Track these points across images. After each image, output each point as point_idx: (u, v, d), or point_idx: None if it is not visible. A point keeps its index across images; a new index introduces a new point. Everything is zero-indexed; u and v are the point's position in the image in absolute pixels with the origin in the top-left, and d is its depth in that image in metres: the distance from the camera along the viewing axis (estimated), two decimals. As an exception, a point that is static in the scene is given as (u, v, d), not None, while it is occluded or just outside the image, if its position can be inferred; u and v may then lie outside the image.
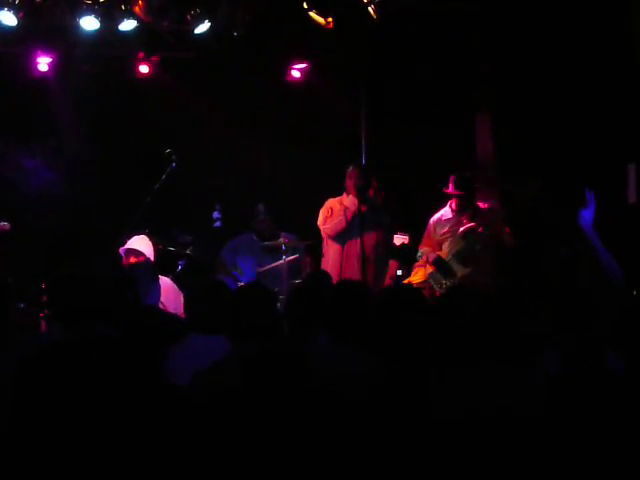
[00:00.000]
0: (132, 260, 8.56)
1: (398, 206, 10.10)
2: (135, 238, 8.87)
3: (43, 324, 8.20)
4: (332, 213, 9.55)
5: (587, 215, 6.34)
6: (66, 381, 2.75)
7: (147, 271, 8.12)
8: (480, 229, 9.16)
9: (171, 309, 7.67)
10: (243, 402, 3.25)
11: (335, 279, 9.16)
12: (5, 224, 9.50)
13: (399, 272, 9.76)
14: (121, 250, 8.62)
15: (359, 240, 9.39)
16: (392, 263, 9.79)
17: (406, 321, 4.65)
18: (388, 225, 9.70)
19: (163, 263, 9.17)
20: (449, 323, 4.50)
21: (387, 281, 9.75)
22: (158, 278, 8.12)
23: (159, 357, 4.64)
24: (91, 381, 2.70)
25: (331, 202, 9.63)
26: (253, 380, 3.27)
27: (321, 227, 9.61)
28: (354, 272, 9.39)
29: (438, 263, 9.31)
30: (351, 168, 9.57)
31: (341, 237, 9.56)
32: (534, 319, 4.55)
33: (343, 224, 9.48)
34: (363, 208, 9.32)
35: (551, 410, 3.84)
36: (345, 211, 9.47)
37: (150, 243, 8.77)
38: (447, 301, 4.98)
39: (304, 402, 3.23)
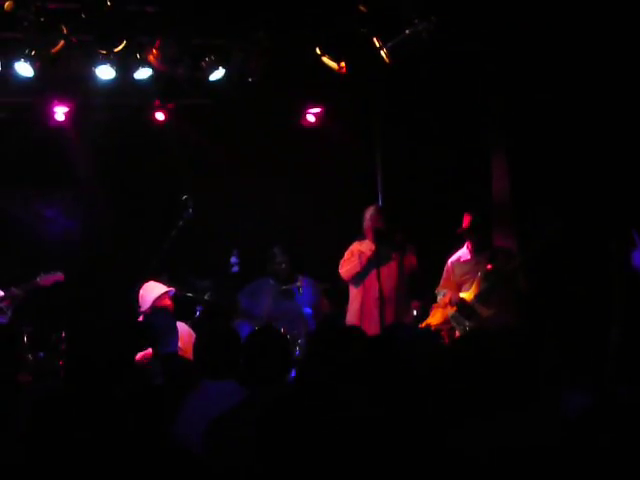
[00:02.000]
0: (167, 302, 8.65)
1: (413, 247, 10.11)
2: (150, 284, 8.93)
3: (62, 373, 8.21)
4: (351, 256, 9.59)
5: (638, 256, 6.34)
6: (69, 433, 2.75)
7: (167, 317, 8.15)
8: (500, 270, 9.13)
9: (189, 355, 7.67)
10: (260, 454, 3.24)
11: (356, 323, 9.19)
12: (59, 274, 9.60)
13: (414, 312, 9.74)
14: (149, 299, 8.69)
15: (377, 283, 9.39)
16: (413, 303, 9.79)
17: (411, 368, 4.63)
18: (408, 265, 9.69)
19: (181, 309, 9.20)
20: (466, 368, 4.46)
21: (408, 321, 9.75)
22: (176, 324, 8.15)
23: (169, 413, 4.63)
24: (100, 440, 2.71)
25: (354, 246, 9.67)
26: (268, 430, 3.26)
27: (339, 271, 9.64)
28: (373, 316, 9.38)
29: (461, 305, 9.28)
30: (367, 210, 9.60)
31: (359, 281, 9.58)
32: (551, 361, 4.54)
33: (357, 268, 9.50)
34: (378, 249, 9.33)
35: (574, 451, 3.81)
36: (360, 255, 9.49)
37: (165, 288, 8.85)
38: (466, 347, 4.94)
39: (318, 450, 3.22)
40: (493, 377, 4.14)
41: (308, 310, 9.87)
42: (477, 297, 9.20)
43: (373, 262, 9.38)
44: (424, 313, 9.72)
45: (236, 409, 4.03)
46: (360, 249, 9.53)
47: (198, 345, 5.77)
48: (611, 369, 4.87)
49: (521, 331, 4.90)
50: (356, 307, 9.57)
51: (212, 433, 4.22)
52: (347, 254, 9.64)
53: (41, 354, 8.71)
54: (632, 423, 3.85)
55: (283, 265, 10.31)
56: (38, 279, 9.48)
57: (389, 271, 9.54)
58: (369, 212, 9.60)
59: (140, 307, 8.79)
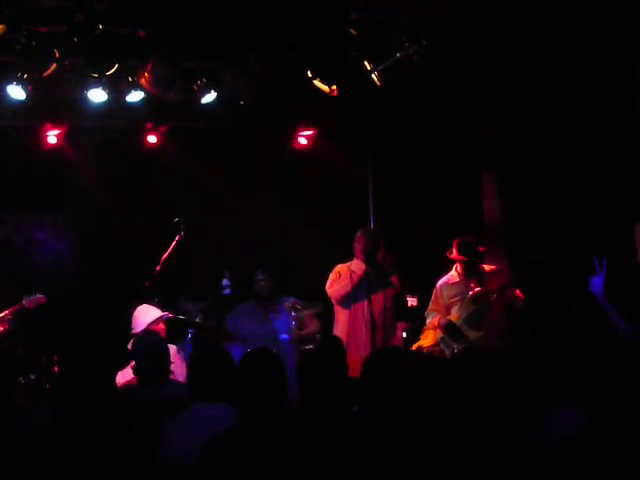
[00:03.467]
0: (162, 326, 8.66)
1: (405, 269, 10.13)
2: (144, 307, 8.93)
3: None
4: (339, 277, 9.59)
5: (597, 282, 6.40)
6: (61, 464, 2.76)
7: (157, 339, 8.14)
8: (488, 293, 9.14)
9: (180, 378, 7.68)
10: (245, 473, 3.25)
11: (344, 342, 9.18)
12: (41, 296, 9.65)
13: (404, 334, 9.73)
14: (144, 322, 8.69)
15: (367, 304, 9.41)
16: (399, 324, 9.79)
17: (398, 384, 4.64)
18: (396, 288, 9.72)
19: (173, 331, 9.19)
20: (450, 388, 4.48)
21: (395, 343, 9.74)
22: (168, 348, 8.14)
23: (156, 433, 4.62)
24: (87, 465, 2.71)
25: (339, 267, 9.70)
26: (251, 450, 3.26)
27: (328, 290, 9.63)
28: (362, 337, 9.39)
29: (449, 327, 9.27)
30: (359, 233, 9.64)
31: (348, 302, 9.58)
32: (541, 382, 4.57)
33: (348, 288, 9.51)
34: (369, 271, 9.36)
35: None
36: (351, 275, 9.51)
37: (160, 312, 8.86)
38: (454, 367, 4.96)
39: (298, 470, 3.23)
40: (479, 398, 4.16)
41: (284, 336, 9.83)
42: (465, 320, 9.21)
43: (364, 283, 9.41)
44: (414, 335, 9.72)
45: (229, 430, 4.03)
46: (351, 269, 9.54)
47: (192, 368, 5.78)
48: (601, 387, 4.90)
49: (508, 355, 4.91)
50: (344, 329, 9.56)
51: (205, 454, 4.21)
52: (333, 275, 9.66)
53: (32, 376, 8.68)
54: (623, 441, 3.88)
55: (262, 283, 10.28)
56: (23, 302, 9.53)
57: (378, 293, 9.57)
58: (359, 234, 9.63)
59: (133, 329, 8.78)
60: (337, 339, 8.31)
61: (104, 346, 5.35)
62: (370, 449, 4.01)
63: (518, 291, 9.17)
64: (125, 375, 8.14)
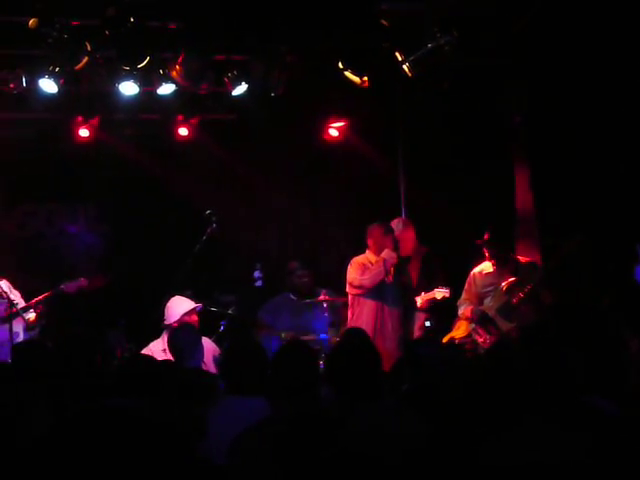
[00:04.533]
0: (195, 318, 8.69)
1: (439, 260, 10.12)
2: (177, 298, 8.96)
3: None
4: (365, 267, 9.58)
5: (640, 270, 6.34)
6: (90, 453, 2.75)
7: (193, 333, 8.16)
8: (522, 285, 9.09)
9: (212, 370, 7.69)
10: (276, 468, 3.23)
11: (370, 335, 9.17)
12: (83, 280, 9.64)
13: (427, 323, 9.72)
14: (177, 313, 8.72)
15: (394, 296, 9.44)
16: (419, 314, 9.79)
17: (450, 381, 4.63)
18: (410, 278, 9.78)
19: (205, 323, 9.21)
20: (493, 381, 4.44)
21: (416, 332, 9.74)
22: (201, 339, 8.16)
23: (193, 425, 4.62)
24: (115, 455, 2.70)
25: (360, 259, 9.71)
26: (286, 444, 3.25)
27: (357, 278, 9.58)
28: (389, 329, 9.45)
29: (481, 318, 9.25)
30: (385, 226, 9.66)
31: (376, 294, 9.57)
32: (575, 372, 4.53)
33: (382, 275, 9.50)
34: (396, 262, 9.43)
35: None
36: (385, 262, 9.49)
37: (193, 303, 8.88)
38: (493, 358, 4.93)
39: (336, 467, 3.21)
40: (517, 388, 4.12)
41: (324, 336, 9.80)
42: (498, 310, 9.17)
43: (394, 272, 9.49)
44: (438, 324, 9.71)
45: (262, 423, 4.02)
46: (383, 257, 9.52)
47: (224, 361, 5.77)
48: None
49: (541, 336, 4.85)
50: (369, 321, 9.53)
51: (237, 448, 4.20)
52: (357, 266, 9.63)
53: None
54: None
55: (304, 279, 10.30)
56: (61, 286, 9.52)
57: (404, 282, 9.62)
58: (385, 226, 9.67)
59: (165, 320, 8.81)
60: (363, 331, 8.29)
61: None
62: (425, 450, 4.00)
63: (547, 289, 9.11)
64: (154, 351, 8.20)
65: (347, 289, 9.78)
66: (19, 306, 9.20)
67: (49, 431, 2.83)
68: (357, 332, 8.16)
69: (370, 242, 9.71)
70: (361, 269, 9.63)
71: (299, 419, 3.25)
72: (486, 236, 9.24)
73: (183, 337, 7.83)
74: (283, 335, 9.87)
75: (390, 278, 9.58)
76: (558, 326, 8.95)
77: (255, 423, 3.99)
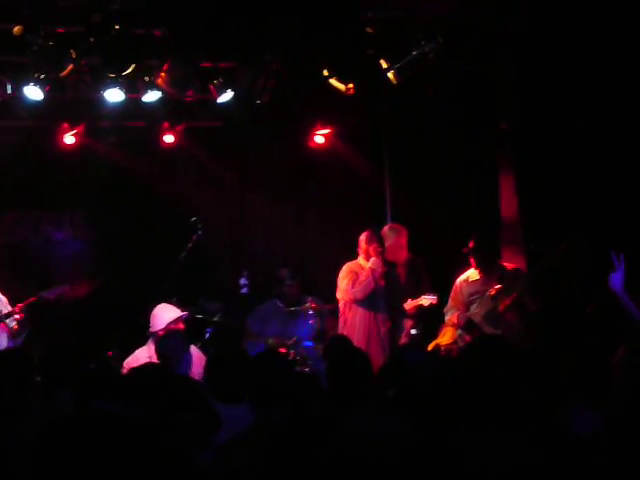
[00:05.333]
0: (181, 326, 8.68)
1: (425, 267, 10.14)
2: (163, 306, 8.94)
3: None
4: (357, 276, 9.56)
5: (617, 278, 6.35)
6: (78, 457, 2.75)
7: (181, 340, 8.17)
8: (508, 292, 9.10)
9: (198, 377, 7.68)
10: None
11: (363, 343, 9.18)
12: (64, 287, 9.60)
13: (413, 331, 9.73)
14: (163, 321, 8.70)
15: (386, 303, 9.44)
16: (407, 321, 9.81)
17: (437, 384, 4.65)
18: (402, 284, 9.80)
19: (191, 331, 9.19)
20: (467, 384, 4.46)
21: (403, 339, 9.76)
22: (189, 347, 8.17)
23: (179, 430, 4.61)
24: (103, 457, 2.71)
25: (351, 267, 9.66)
26: (281, 449, 3.26)
27: (349, 291, 9.56)
28: (382, 336, 9.42)
29: (468, 325, 9.26)
30: (370, 233, 9.64)
31: (369, 301, 9.56)
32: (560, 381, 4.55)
33: (372, 285, 9.48)
34: (385, 269, 9.43)
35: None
36: (373, 272, 9.49)
37: (179, 311, 8.87)
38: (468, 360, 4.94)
39: (332, 468, 3.22)
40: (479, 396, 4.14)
41: (309, 343, 9.82)
42: (485, 317, 9.18)
43: (384, 281, 9.49)
44: (424, 331, 9.73)
45: (244, 433, 4.03)
46: (371, 267, 9.52)
47: (209, 369, 5.77)
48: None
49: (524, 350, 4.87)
50: (362, 329, 9.52)
51: (221, 457, 4.20)
52: (349, 274, 9.60)
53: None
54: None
55: (294, 289, 10.31)
56: (41, 293, 9.48)
57: (393, 290, 9.62)
58: (372, 234, 9.65)
59: (151, 327, 8.79)
60: (346, 338, 8.30)
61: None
62: (405, 448, 4.02)
63: (532, 296, 9.12)
64: (140, 358, 8.21)
65: (338, 295, 9.76)
66: (2, 312, 9.16)
67: (38, 437, 2.84)
68: (341, 340, 8.19)
69: (359, 249, 9.72)
70: (352, 278, 9.58)
71: (282, 426, 3.26)
72: (471, 244, 9.25)
73: (171, 344, 7.84)
74: (270, 342, 9.87)
75: (382, 283, 9.58)
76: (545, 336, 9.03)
77: (238, 433, 4.00)
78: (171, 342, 7.93)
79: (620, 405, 4.51)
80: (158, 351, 7.86)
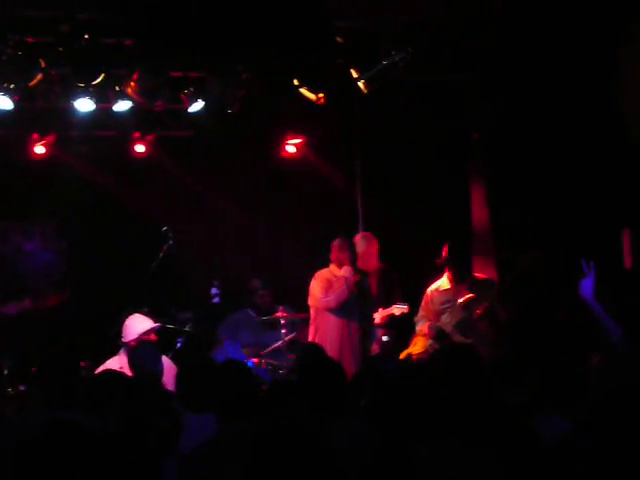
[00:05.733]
0: (153, 337, 8.66)
1: (396, 276, 10.16)
2: (136, 316, 8.90)
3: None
4: (330, 284, 9.52)
5: (587, 285, 6.37)
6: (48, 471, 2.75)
7: (153, 351, 8.15)
8: (478, 302, 9.13)
9: (170, 387, 7.67)
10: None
11: (335, 352, 9.16)
12: (25, 302, 9.55)
13: (384, 338, 9.75)
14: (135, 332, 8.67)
15: (358, 312, 9.43)
16: (378, 330, 9.83)
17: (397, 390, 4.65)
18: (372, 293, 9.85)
19: (162, 341, 9.17)
20: (434, 392, 4.46)
21: (374, 346, 9.76)
22: (161, 357, 8.15)
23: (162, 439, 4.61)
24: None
25: (324, 274, 9.61)
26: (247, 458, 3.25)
27: (322, 299, 9.50)
28: (355, 344, 9.41)
29: (438, 334, 9.27)
30: (342, 241, 9.60)
31: (342, 309, 9.53)
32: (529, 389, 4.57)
33: (346, 294, 9.42)
34: (357, 278, 9.41)
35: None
36: (346, 280, 9.45)
37: (152, 323, 8.84)
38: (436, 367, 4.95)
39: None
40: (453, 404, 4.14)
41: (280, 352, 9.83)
42: (455, 326, 9.20)
43: (356, 289, 9.49)
44: (396, 339, 9.74)
45: (208, 443, 4.02)
46: (344, 275, 9.48)
47: (179, 378, 5.76)
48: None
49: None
50: (334, 337, 9.49)
51: (185, 468, 4.20)
52: (321, 282, 9.53)
53: (22, 387, 8.64)
54: (609, 450, 3.87)
55: (266, 299, 10.29)
56: (1, 309, 9.44)
57: (365, 298, 9.61)
58: (343, 242, 9.62)
59: (123, 338, 8.76)
60: (317, 346, 8.29)
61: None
62: (369, 457, 4.02)
63: (503, 305, 9.15)
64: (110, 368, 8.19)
65: (309, 302, 9.71)
66: None
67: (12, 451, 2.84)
68: (314, 348, 8.17)
69: (331, 256, 9.69)
70: (325, 286, 9.52)
71: (238, 435, 3.25)
72: (444, 253, 9.27)
73: (144, 355, 7.81)
74: (244, 351, 9.84)
75: (355, 290, 9.55)
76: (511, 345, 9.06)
77: (201, 444, 3.99)
78: (144, 352, 7.91)
79: (594, 412, 4.52)
80: (130, 362, 7.83)
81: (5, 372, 8.46)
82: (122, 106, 9.52)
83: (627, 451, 3.71)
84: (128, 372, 7.94)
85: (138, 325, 8.75)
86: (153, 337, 8.76)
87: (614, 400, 3.99)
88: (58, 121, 10.21)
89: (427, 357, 9.14)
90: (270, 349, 9.81)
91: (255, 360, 9.55)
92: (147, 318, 8.87)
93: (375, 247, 10.09)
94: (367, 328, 9.70)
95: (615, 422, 3.86)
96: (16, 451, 2.96)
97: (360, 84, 9.08)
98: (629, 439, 3.73)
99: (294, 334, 10.05)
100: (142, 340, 8.59)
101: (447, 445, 3.99)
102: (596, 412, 4.18)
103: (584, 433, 4.07)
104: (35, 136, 10.76)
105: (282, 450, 3.26)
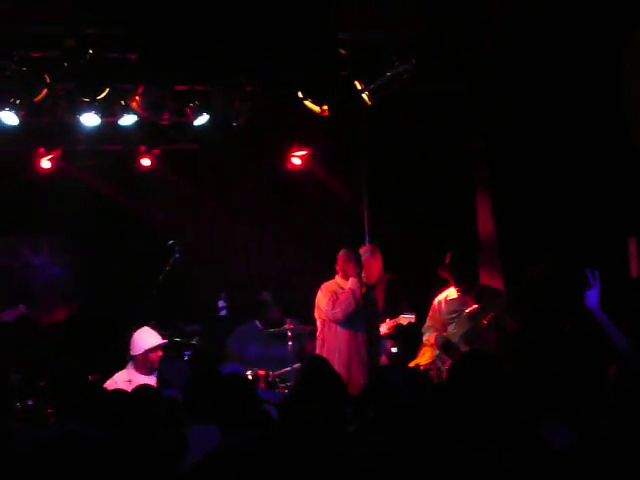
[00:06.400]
0: (159, 353, 8.70)
1: (403, 286, 10.16)
2: (145, 330, 8.92)
3: (52, 420, 8.19)
4: (336, 296, 9.52)
5: (592, 296, 6.35)
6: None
7: (181, 368, 8.24)
8: (485, 312, 9.12)
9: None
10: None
11: (344, 364, 9.17)
12: (21, 307, 9.57)
13: (394, 349, 9.74)
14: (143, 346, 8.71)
15: (365, 323, 9.43)
16: (387, 341, 9.83)
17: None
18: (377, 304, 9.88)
19: (170, 354, 9.20)
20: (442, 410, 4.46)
21: (383, 359, 9.76)
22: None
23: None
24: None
25: (331, 286, 9.61)
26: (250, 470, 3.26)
27: (330, 312, 9.49)
28: (364, 356, 9.42)
29: (445, 345, 9.27)
30: (347, 252, 9.61)
31: (349, 321, 9.53)
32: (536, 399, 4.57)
33: (353, 305, 9.41)
34: (364, 290, 9.43)
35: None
36: (352, 292, 9.45)
37: (160, 339, 8.87)
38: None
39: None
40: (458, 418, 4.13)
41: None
42: (462, 337, 9.19)
43: (363, 301, 9.49)
44: (406, 350, 9.74)
45: (212, 455, 4.03)
46: (351, 287, 9.48)
47: (186, 389, 5.79)
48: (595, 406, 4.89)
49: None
50: (342, 349, 9.47)
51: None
52: (328, 294, 9.53)
53: (30, 402, 8.66)
54: (613, 459, 3.87)
55: (276, 313, 10.28)
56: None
57: (372, 310, 9.62)
58: (349, 253, 9.62)
59: (130, 350, 8.79)
60: (322, 359, 8.28)
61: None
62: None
63: (510, 316, 9.13)
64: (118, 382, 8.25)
65: (316, 314, 9.71)
66: None
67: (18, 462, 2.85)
68: (318, 361, 8.16)
69: (337, 268, 9.69)
70: (332, 298, 9.51)
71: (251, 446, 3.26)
72: (447, 262, 9.26)
73: (172, 371, 7.91)
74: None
75: (361, 301, 9.54)
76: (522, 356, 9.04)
77: (206, 456, 4.00)
78: (172, 370, 8.01)
79: (613, 422, 4.52)
80: (159, 378, 7.93)
81: (13, 386, 8.49)
82: (127, 120, 9.56)
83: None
84: (135, 386, 8.00)
85: (147, 340, 8.79)
86: (159, 354, 8.80)
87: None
88: (64, 136, 10.26)
89: (437, 370, 9.16)
90: (278, 373, 9.75)
91: (262, 373, 9.52)
92: (156, 333, 8.91)
93: (378, 259, 10.09)
94: (374, 339, 9.70)
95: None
96: (23, 460, 2.98)
97: (364, 96, 9.09)
98: None
99: (299, 347, 10.05)
100: (146, 356, 8.66)
101: (453, 457, 3.99)
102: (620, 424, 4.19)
103: (601, 443, 4.07)
104: (41, 151, 10.82)
105: (265, 464, 3.27)
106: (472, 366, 4.56)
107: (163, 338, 8.90)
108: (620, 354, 5.96)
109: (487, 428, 4.16)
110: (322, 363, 7.71)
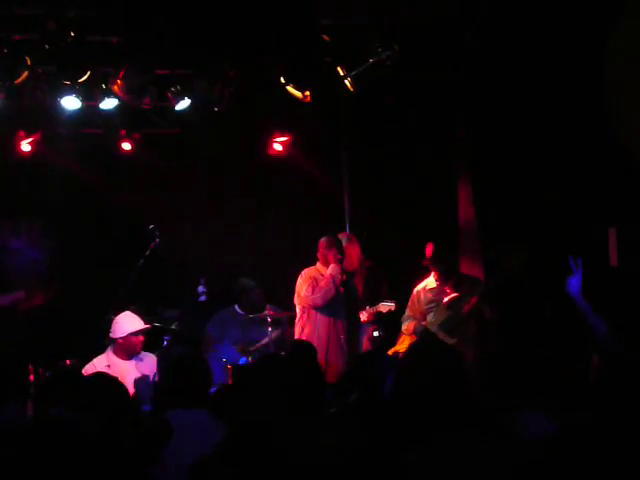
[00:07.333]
0: (141, 338, 8.68)
1: (383, 274, 10.17)
2: (128, 314, 8.89)
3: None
4: (316, 282, 9.53)
5: (574, 282, 6.36)
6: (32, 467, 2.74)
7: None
8: (464, 300, 9.13)
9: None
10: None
11: (323, 350, 9.18)
12: (19, 293, 9.54)
13: (375, 333, 9.76)
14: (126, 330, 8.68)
15: (344, 310, 9.44)
16: (368, 327, 9.86)
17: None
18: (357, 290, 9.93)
19: (149, 339, 9.17)
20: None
21: (365, 343, 9.79)
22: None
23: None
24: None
25: (311, 272, 9.63)
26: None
27: (309, 297, 9.51)
28: (342, 343, 9.44)
29: (424, 334, 9.28)
30: (330, 239, 9.63)
31: (328, 307, 9.54)
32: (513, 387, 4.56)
33: (333, 291, 9.44)
34: (344, 277, 9.44)
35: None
36: (333, 278, 9.46)
37: (142, 324, 8.85)
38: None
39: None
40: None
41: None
42: (440, 326, 9.21)
43: (343, 287, 9.50)
44: (386, 338, 9.76)
45: (215, 449, 3.99)
46: (331, 273, 9.49)
47: (168, 375, 5.77)
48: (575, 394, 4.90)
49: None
50: (321, 335, 9.49)
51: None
52: (308, 280, 9.56)
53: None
54: (595, 448, 3.87)
55: (260, 295, 10.29)
56: None
57: (352, 296, 9.64)
58: (331, 240, 9.64)
59: (111, 333, 8.75)
60: (309, 345, 8.28)
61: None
62: (360, 458, 4.01)
63: (488, 303, 9.15)
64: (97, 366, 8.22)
65: (295, 300, 9.72)
66: None
67: None
68: (306, 345, 8.18)
69: (318, 254, 9.70)
70: (312, 284, 9.54)
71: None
72: (428, 252, 9.28)
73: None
74: (235, 347, 9.85)
75: (341, 288, 9.57)
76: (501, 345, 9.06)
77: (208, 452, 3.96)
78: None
79: (599, 410, 4.52)
80: (159, 367, 8.05)
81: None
82: (108, 104, 9.52)
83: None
84: (115, 370, 7.98)
85: (129, 324, 8.76)
86: (141, 338, 8.78)
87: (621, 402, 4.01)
88: (44, 119, 10.19)
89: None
90: (258, 346, 9.80)
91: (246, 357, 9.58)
92: (138, 318, 8.88)
93: (356, 247, 10.11)
94: (353, 326, 9.72)
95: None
96: (2, 445, 2.96)
97: (347, 82, 9.09)
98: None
99: (280, 331, 10.06)
100: (127, 339, 8.63)
101: (434, 443, 3.99)
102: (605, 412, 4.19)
103: (580, 432, 4.07)
104: (21, 134, 10.73)
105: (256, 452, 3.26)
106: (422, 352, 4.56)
107: (145, 323, 8.88)
108: (601, 341, 5.98)
109: (459, 413, 4.15)
110: (309, 350, 7.74)
